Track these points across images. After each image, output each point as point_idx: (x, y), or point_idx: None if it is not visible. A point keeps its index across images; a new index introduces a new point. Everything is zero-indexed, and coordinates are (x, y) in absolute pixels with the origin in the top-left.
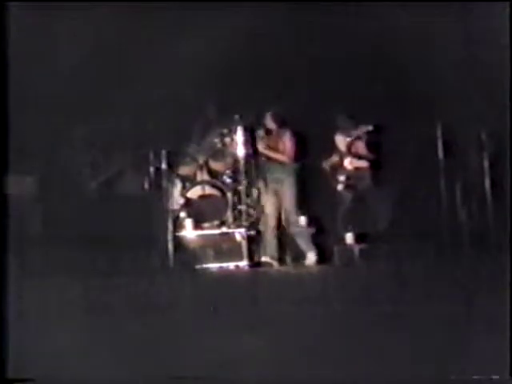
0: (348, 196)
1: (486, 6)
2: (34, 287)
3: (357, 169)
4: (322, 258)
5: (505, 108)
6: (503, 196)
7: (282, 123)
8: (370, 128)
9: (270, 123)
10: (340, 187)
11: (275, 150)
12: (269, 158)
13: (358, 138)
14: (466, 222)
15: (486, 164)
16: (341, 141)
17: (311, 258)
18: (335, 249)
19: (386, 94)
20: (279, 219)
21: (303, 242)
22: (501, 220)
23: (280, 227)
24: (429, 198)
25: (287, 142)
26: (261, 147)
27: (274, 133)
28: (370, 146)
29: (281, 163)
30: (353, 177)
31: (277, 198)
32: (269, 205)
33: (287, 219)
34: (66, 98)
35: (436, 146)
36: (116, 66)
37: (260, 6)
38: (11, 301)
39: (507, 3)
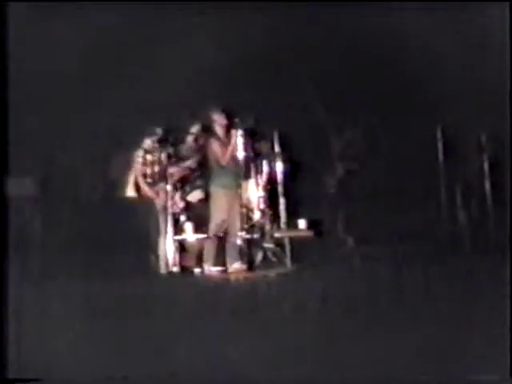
0: (347, 199)
1: (485, 7)
2: (34, 289)
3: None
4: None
5: (505, 110)
6: (503, 198)
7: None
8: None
9: (222, 121)
10: (332, 190)
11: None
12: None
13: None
14: (466, 224)
15: (486, 166)
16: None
17: (236, 266)
18: (336, 251)
19: (387, 96)
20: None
21: (231, 252)
22: (501, 222)
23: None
24: (429, 200)
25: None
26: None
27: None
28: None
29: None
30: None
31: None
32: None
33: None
34: (65, 99)
35: (436, 148)
36: (116, 66)
37: (261, 7)
38: (12, 302)
39: (507, 3)
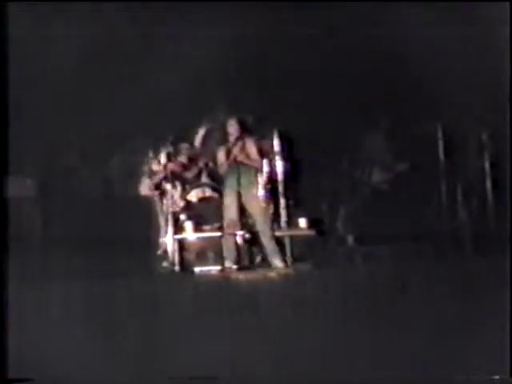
0: (347, 198)
1: (486, 7)
2: (34, 289)
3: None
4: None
5: (505, 109)
6: (504, 197)
7: (244, 129)
8: None
9: (233, 129)
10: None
11: (246, 155)
12: (241, 163)
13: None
14: (467, 223)
15: (486, 165)
16: None
17: (277, 263)
18: (336, 250)
19: (387, 95)
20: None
21: (270, 248)
22: (501, 220)
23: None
24: (430, 199)
25: (253, 148)
26: (235, 151)
27: (236, 139)
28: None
29: (251, 168)
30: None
31: (245, 203)
32: (235, 209)
33: (255, 225)
34: (65, 99)
35: (437, 147)
36: (116, 66)
37: (262, 7)
38: (11, 302)
39: (507, 3)
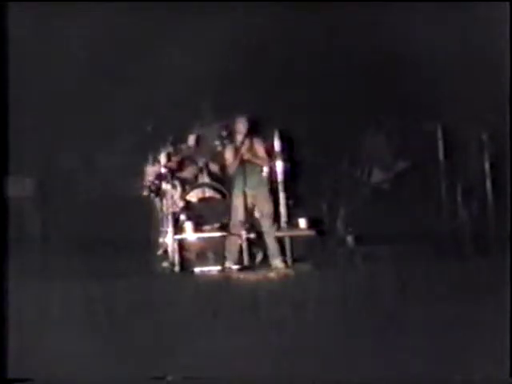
0: (347, 198)
1: (486, 7)
2: (34, 289)
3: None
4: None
5: (505, 109)
6: (504, 197)
7: (251, 128)
8: None
9: (241, 128)
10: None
11: (254, 154)
12: (249, 162)
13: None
14: (467, 223)
15: (486, 165)
16: None
17: (277, 263)
18: (336, 251)
19: (387, 95)
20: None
21: (272, 249)
22: (501, 220)
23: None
24: (430, 199)
25: (261, 147)
26: (243, 150)
27: (244, 138)
28: None
29: (259, 167)
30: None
31: (253, 203)
32: (242, 210)
33: (261, 225)
34: (65, 100)
35: (437, 147)
36: (115, 66)
37: (262, 7)
38: (11, 302)
39: (507, 3)
